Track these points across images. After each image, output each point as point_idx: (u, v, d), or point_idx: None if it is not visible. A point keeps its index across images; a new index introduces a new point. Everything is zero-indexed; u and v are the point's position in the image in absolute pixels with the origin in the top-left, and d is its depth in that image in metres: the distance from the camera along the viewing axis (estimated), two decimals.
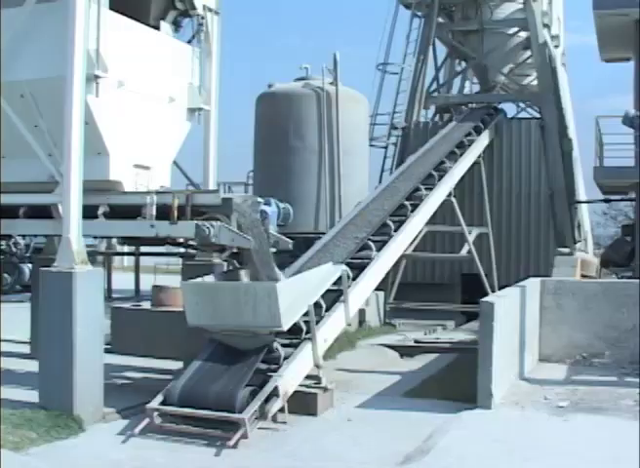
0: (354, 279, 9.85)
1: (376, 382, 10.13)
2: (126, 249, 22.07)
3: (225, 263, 9.68)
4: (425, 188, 13.90)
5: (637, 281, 11.46)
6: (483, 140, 17.62)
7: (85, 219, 8.03)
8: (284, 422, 7.86)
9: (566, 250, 16.99)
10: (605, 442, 7.17)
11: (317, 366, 8.59)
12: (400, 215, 12.55)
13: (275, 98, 17.12)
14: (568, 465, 6.60)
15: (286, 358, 8.16)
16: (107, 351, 9.45)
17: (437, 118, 21.43)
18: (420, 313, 16.20)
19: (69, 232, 7.87)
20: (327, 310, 9.09)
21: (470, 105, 20.80)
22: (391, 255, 11.38)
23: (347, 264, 10.02)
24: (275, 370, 7.94)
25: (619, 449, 6.87)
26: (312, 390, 8.48)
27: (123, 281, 21.57)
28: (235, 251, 8.84)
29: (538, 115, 20.41)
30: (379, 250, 11.07)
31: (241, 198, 8.81)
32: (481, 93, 21.56)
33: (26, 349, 11.16)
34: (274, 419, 7.83)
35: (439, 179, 14.58)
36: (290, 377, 7.98)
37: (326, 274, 9.20)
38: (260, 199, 9.54)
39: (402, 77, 20.09)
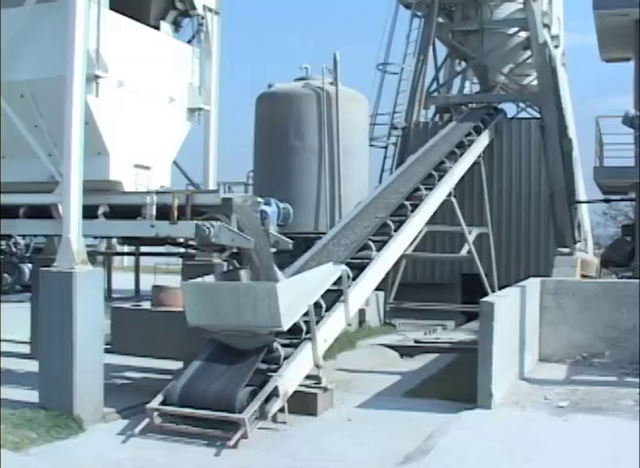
0: (354, 279, 9.85)
1: (376, 382, 10.13)
2: (126, 249, 22.07)
3: (225, 263, 9.68)
4: (425, 188, 13.91)
5: (637, 281, 11.46)
6: (483, 140, 17.62)
7: (85, 219, 8.03)
8: (284, 422, 7.86)
9: (566, 250, 16.99)
10: (605, 442, 7.16)
11: (317, 366, 8.59)
12: (400, 215, 12.56)
13: (275, 98, 17.12)
14: (568, 465, 6.60)
15: (286, 358, 8.16)
16: (107, 351, 9.44)
17: (437, 118, 21.43)
18: (420, 313, 16.20)
19: (69, 232, 7.86)
20: (327, 310, 9.08)
21: (470, 105, 20.80)
22: (391, 255, 11.39)
23: (347, 264, 10.02)
24: (275, 370, 7.94)
25: (619, 449, 6.86)
26: (312, 390, 8.48)
27: (123, 281, 21.57)
28: (235, 251, 8.84)
29: (538, 115, 20.41)
30: (379, 250, 11.07)
31: (241, 198, 8.82)
32: (481, 93, 21.56)
33: (26, 349, 11.16)
34: (274, 419, 7.82)
35: (439, 179, 14.59)
36: (290, 377, 7.97)
37: (326, 274, 9.20)
38: (259, 199, 9.54)
39: (402, 77, 20.11)
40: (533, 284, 11.23)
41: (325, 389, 8.55)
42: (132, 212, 8.59)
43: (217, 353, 8.25)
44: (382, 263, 10.90)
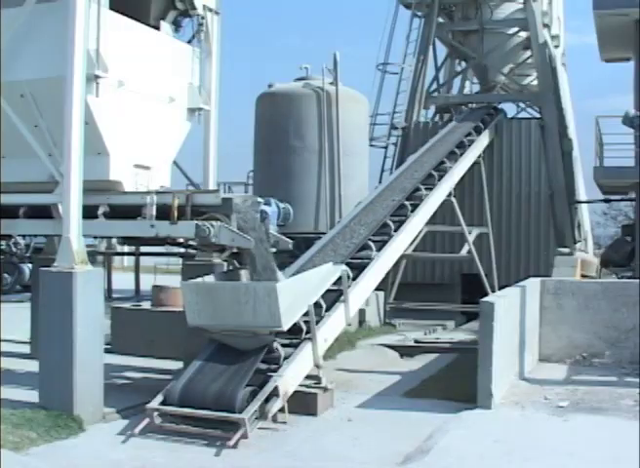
0: (354, 279, 9.85)
1: (376, 382, 10.13)
2: (126, 249, 22.08)
3: (225, 263, 9.68)
4: (425, 188, 13.91)
5: (637, 281, 11.47)
6: (483, 140, 17.60)
7: (85, 219, 8.03)
8: (284, 422, 7.86)
9: (566, 250, 17.00)
10: (605, 442, 7.17)
11: (317, 366, 8.59)
12: (400, 215, 12.56)
13: (275, 98, 17.12)
14: (568, 465, 6.59)
15: (286, 358, 8.16)
16: (107, 351, 9.45)
17: (437, 118, 21.42)
18: (419, 313, 16.19)
19: (69, 232, 7.87)
20: (327, 310, 9.08)
21: (470, 105, 20.79)
22: (391, 255, 11.38)
23: (347, 264, 10.02)
24: (275, 370, 7.94)
25: (619, 449, 6.87)
26: (312, 390, 8.48)
27: (123, 281, 21.57)
28: (235, 251, 8.84)
29: (538, 115, 20.40)
30: (379, 250, 11.07)
31: (241, 198, 8.81)
32: (481, 93, 21.56)
33: (26, 349, 11.16)
34: (274, 419, 7.83)
35: (439, 179, 14.59)
36: (290, 377, 7.97)
37: (326, 274, 9.20)
38: (260, 199, 9.54)
39: (402, 77, 20.11)
40: (533, 284, 11.24)
41: (325, 389, 8.55)
42: (132, 212, 8.58)
43: (217, 353, 8.25)
44: (382, 263, 10.90)
